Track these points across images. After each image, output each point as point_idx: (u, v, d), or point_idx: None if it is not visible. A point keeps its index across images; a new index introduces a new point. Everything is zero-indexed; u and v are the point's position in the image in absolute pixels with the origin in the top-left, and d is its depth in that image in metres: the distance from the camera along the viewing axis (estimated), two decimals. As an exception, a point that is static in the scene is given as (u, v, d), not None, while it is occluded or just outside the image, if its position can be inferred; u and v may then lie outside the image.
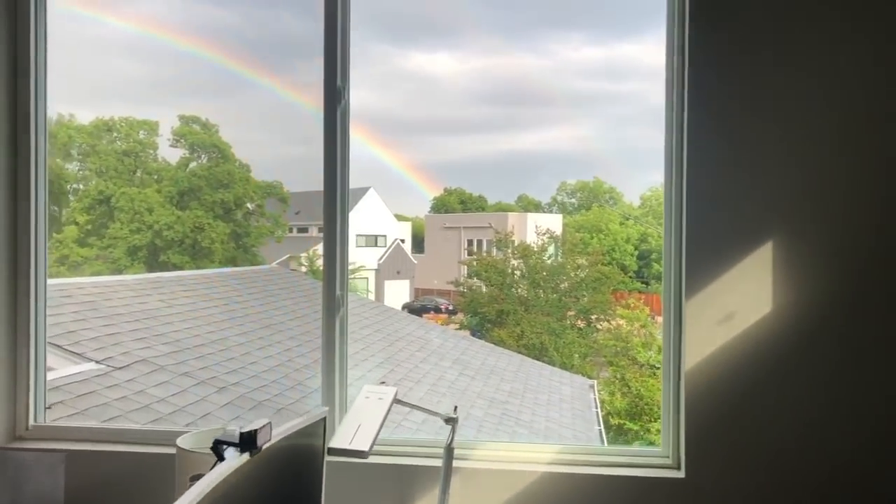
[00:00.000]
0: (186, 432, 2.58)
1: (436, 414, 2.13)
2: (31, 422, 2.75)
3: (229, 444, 1.45)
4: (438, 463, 2.28)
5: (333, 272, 2.59)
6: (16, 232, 2.75)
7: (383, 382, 2.08)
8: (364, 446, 1.76)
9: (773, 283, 2.28)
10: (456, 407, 2.26)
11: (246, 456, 1.46)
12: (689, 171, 2.33)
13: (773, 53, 2.28)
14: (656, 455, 2.47)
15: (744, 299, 2.30)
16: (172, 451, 2.29)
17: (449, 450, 2.21)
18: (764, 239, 2.29)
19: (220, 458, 1.44)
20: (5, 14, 2.71)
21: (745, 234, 2.30)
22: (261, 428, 1.47)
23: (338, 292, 2.60)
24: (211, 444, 1.46)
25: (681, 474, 2.36)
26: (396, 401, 1.90)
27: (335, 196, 2.57)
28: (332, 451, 1.80)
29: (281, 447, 1.61)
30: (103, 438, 2.69)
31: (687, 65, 2.33)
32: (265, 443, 1.51)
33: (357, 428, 1.76)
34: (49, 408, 2.82)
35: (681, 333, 2.38)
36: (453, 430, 2.23)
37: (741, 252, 2.30)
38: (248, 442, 1.46)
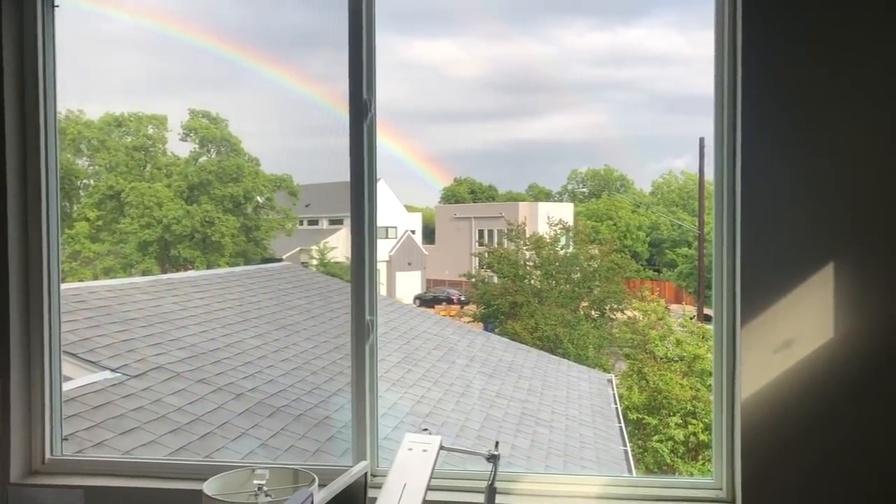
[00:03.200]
0: (209, 464, 2.47)
1: (477, 454, 2.00)
2: (48, 455, 2.64)
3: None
4: (480, 499, 2.15)
5: (362, 298, 2.45)
6: (28, 241, 2.62)
7: (426, 430, 1.95)
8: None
9: (836, 308, 2.13)
10: (497, 443, 2.13)
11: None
12: (744, 190, 2.18)
13: (828, 69, 2.13)
14: (709, 487, 2.33)
15: (803, 325, 2.15)
16: (196, 486, 2.18)
17: (491, 490, 2.08)
18: (825, 260, 2.14)
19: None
20: (13, 12, 2.58)
21: (804, 255, 2.15)
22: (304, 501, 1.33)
23: (367, 317, 2.46)
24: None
25: (736, 510, 2.23)
26: (441, 447, 1.76)
27: (363, 220, 2.43)
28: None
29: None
30: (123, 472, 2.57)
31: (740, 88, 2.17)
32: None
33: (402, 489, 1.63)
34: (66, 439, 2.70)
35: (734, 361, 2.23)
36: (495, 469, 2.10)
37: (800, 275, 2.15)
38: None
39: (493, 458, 2.10)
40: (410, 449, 1.74)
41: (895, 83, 2.11)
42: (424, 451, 1.72)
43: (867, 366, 2.13)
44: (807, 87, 2.14)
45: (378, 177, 2.55)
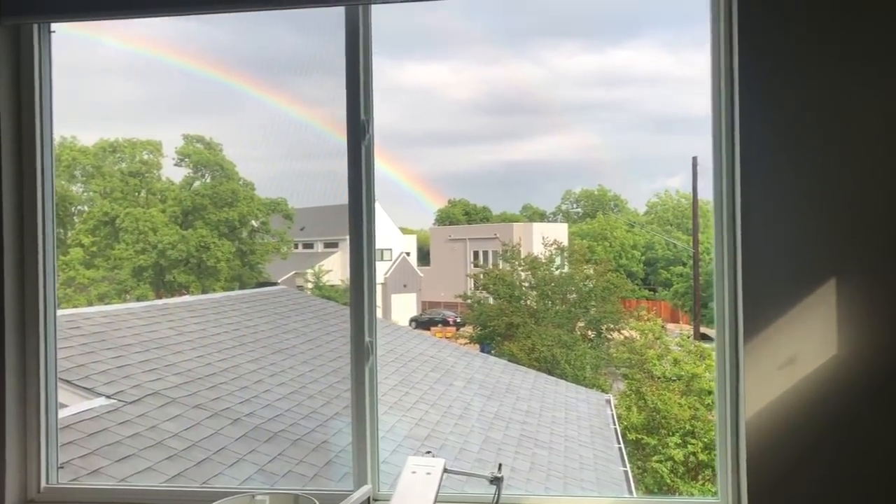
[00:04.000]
0: (208, 491, 2.43)
1: (481, 476, 1.98)
2: (44, 483, 2.60)
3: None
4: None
5: (361, 319, 2.44)
6: (24, 267, 2.60)
7: (429, 452, 1.93)
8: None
9: (839, 325, 2.13)
10: (500, 465, 2.10)
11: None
12: (744, 209, 2.18)
13: (825, 88, 2.13)
14: (714, 508, 2.31)
15: (806, 342, 2.14)
16: (195, 514, 2.15)
17: (494, 513, 2.05)
18: (827, 277, 2.13)
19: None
20: (9, 38, 2.58)
21: (805, 272, 2.14)
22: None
23: (366, 339, 2.45)
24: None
25: (743, 530, 2.20)
26: (445, 470, 1.74)
27: (361, 241, 2.42)
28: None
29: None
30: (121, 500, 2.53)
31: (738, 109, 2.18)
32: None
33: (407, 512, 1.60)
34: (62, 467, 2.66)
35: (738, 379, 2.22)
36: (499, 491, 2.07)
37: (802, 292, 2.14)
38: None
39: (496, 481, 2.08)
40: (414, 472, 1.72)
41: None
42: (428, 473, 1.70)
43: (872, 382, 2.11)
44: (804, 106, 2.15)
45: (372, 199, 2.54)
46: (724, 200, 2.29)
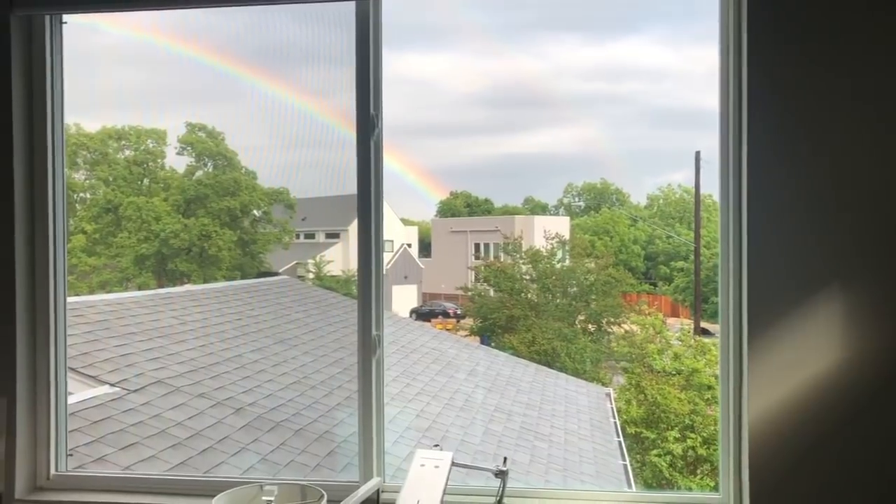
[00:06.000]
0: (215, 480, 2.46)
1: (487, 469, 2.00)
2: (53, 471, 2.63)
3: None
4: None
5: (369, 313, 2.46)
6: (34, 257, 2.63)
7: (437, 446, 1.95)
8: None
9: (845, 323, 2.15)
10: (505, 458, 2.13)
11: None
12: (751, 206, 2.19)
13: (835, 84, 2.15)
14: (717, 502, 2.33)
15: (812, 340, 2.16)
16: (202, 502, 2.18)
17: (499, 506, 2.08)
18: (834, 275, 2.15)
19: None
20: (22, 29, 2.60)
21: (812, 270, 2.16)
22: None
23: (374, 332, 2.47)
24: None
25: (744, 526, 2.23)
26: (453, 464, 1.77)
27: (370, 233, 2.44)
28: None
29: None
30: (129, 488, 2.56)
31: (746, 104, 2.19)
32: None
33: (417, 504, 1.63)
34: (71, 455, 2.69)
35: (741, 376, 2.24)
36: (503, 484, 2.10)
37: (808, 290, 2.16)
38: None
39: (501, 474, 2.11)
40: (423, 465, 1.74)
41: (899, 101, 2.13)
42: (437, 466, 1.73)
43: (877, 381, 2.14)
44: (814, 102, 2.16)
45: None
46: (730, 197, 2.30)
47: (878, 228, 2.14)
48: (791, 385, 2.16)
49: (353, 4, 2.47)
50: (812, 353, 2.16)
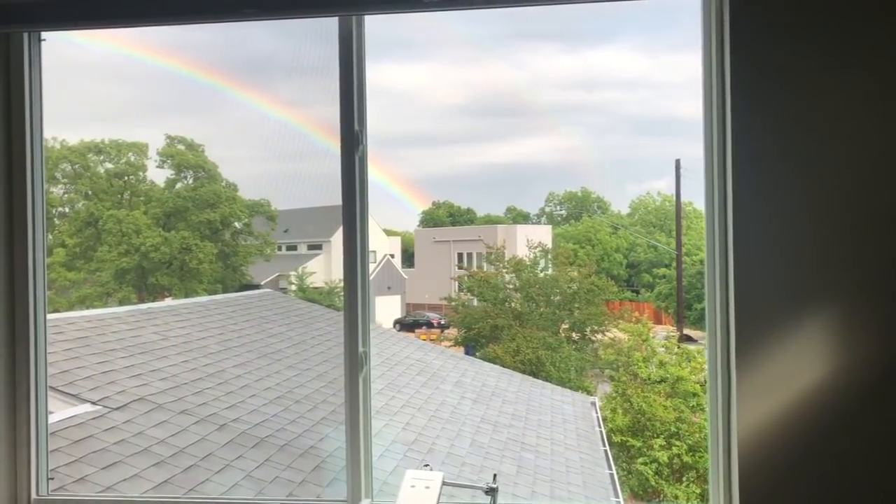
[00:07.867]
0: (202, 500, 2.42)
1: (477, 487, 1.98)
2: (34, 494, 2.58)
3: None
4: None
5: (355, 328, 2.44)
6: (13, 273, 2.59)
7: (427, 466, 1.94)
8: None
9: (834, 336, 2.15)
10: (495, 475, 2.11)
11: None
12: (736, 216, 2.20)
13: (818, 93, 2.16)
14: (705, 516, 2.33)
15: (800, 354, 2.16)
16: (188, 525, 2.14)
17: (490, 523, 2.06)
18: (822, 288, 2.15)
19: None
20: (0, 46, 2.56)
21: (799, 282, 2.16)
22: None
23: (360, 349, 2.45)
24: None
25: (734, 539, 2.22)
26: (444, 483, 1.75)
27: (356, 250, 2.42)
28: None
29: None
30: (112, 511, 2.52)
31: (729, 113, 2.20)
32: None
33: (408, 527, 1.61)
34: (52, 478, 2.64)
35: (730, 390, 2.24)
36: (494, 502, 2.08)
37: (796, 303, 2.16)
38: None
39: (491, 492, 2.09)
40: (413, 486, 1.72)
41: (890, 105, 2.14)
42: (427, 487, 1.71)
43: (866, 395, 2.14)
44: (797, 109, 2.17)
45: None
46: (715, 205, 2.30)
47: (866, 236, 2.15)
48: (779, 396, 2.16)
49: (335, 19, 2.46)
50: (800, 364, 2.16)
